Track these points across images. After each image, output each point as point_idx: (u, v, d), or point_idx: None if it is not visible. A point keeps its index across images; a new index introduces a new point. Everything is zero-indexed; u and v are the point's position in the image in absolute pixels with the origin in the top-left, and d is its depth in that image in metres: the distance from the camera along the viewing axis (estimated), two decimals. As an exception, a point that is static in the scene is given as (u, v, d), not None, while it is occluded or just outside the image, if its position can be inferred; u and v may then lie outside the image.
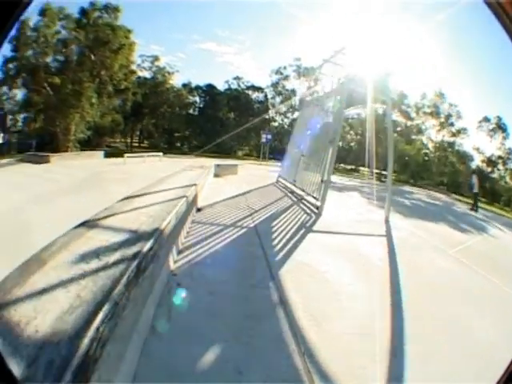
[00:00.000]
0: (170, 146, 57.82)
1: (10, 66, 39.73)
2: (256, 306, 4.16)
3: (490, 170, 56.09)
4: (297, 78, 60.05)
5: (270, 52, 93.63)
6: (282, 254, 6.19)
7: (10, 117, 47.78)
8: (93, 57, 38.83)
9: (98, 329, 1.85)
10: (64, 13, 39.21)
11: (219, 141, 51.38)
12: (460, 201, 33.52)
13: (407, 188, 33.39)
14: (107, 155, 33.76)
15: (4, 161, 30.37)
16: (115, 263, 2.69)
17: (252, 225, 7.91)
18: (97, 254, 2.87)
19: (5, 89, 43.66)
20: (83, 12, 40.93)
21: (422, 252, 8.26)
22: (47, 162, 26.35)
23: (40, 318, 1.85)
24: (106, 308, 2.05)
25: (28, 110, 47.71)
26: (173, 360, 2.98)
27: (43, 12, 36.98)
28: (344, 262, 6.30)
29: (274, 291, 4.60)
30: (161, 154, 29.25)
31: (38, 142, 45.01)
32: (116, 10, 42.00)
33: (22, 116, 52.13)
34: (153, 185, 7.18)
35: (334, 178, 22.80)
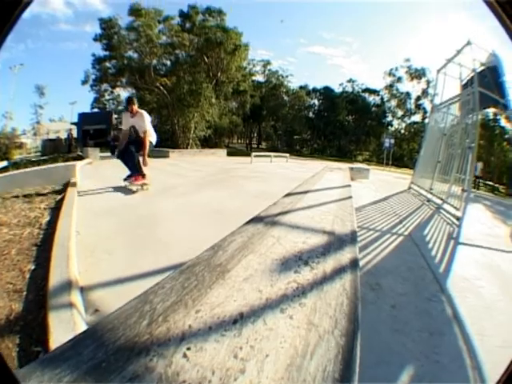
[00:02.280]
0: (290, 148, 58.49)
1: (108, 64, 42.68)
2: (435, 322, 4.01)
3: None
4: (409, 79, 59.03)
5: (378, 53, 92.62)
6: (442, 267, 6.03)
7: (115, 116, 50.17)
8: (206, 59, 39.65)
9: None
10: (161, 15, 41.29)
11: (339, 144, 51.37)
12: None
13: None
14: (229, 154, 34.56)
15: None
16: (336, 273, 2.26)
17: (406, 233, 7.84)
18: (302, 259, 2.45)
19: (106, 86, 47.19)
20: (184, 15, 41.98)
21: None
22: (166, 156, 27.43)
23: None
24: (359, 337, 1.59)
25: (140, 108, 49.52)
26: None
27: (135, 12, 38.73)
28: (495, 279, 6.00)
29: (447, 306, 4.42)
30: (287, 155, 29.42)
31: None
32: (220, 12, 43.09)
33: None
34: (305, 183, 7.03)
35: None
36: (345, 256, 2.61)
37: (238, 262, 2.30)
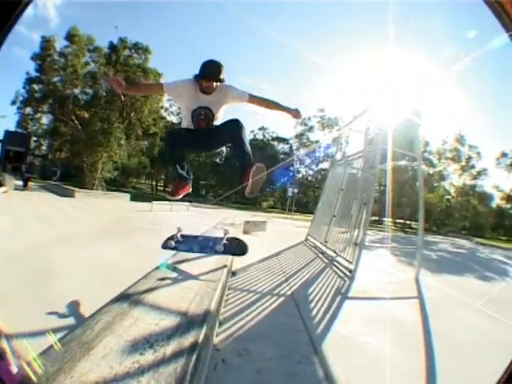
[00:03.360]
0: (195, 193, 58.22)
1: (35, 87, 41.36)
2: (302, 382, 4.10)
3: (509, 206, 56.04)
4: (321, 129, 60.74)
5: (293, 102, 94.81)
6: (321, 327, 6.05)
7: (34, 138, 48.68)
8: (123, 97, 39.45)
9: None
10: (93, 44, 40.70)
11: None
12: (483, 244, 34.78)
13: (430, 237, 33.17)
14: (132, 198, 34.00)
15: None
16: (174, 356, 2.55)
17: (289, 292, 7.78)
18: (149, 342, 2.75)
19: (29, 110, 44.88)
20: (113, 47, 41.74)
21: (449, 312, 8.23)
22: (72, 196, 26.87)
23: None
24: None
25: (54, 139, 48.91)
26: None
27: (70, 37, 38.22)
28: (381, 332, 6.20)
29: (319, 367, 4.48)
30: (188, 203, 29.27)
31: (62, 172, 45.91)
32: (146, 51, 43.17)
33: (46, 142, 53.68)
34: None
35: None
36: (187, 340, 2.85)
37: (100, 340, 2.68)
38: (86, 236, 12.02)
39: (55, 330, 4.20)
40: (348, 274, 9.99)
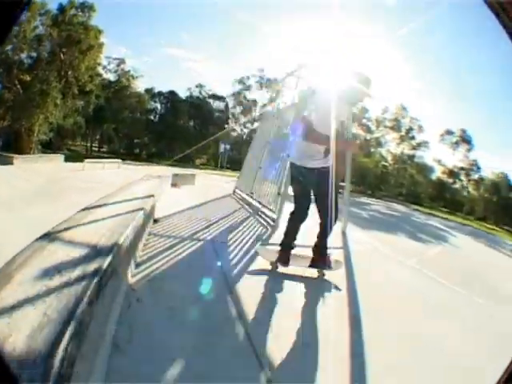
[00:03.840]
0: (129, 152, 57.39)
1: None
2: (215, 320, 4.26)
3: (451, 181, 57.82)
4: (259, 88, 60.51)
5: (235, 61, 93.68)
6: (237, 269, 6.29)
7: None
8: (62, 56, 38.52)
9: (66, 348, 1.90)
10: (44, 8, 39.95)
11: (178, 149, 51.18)
12: (419, 211, 34.85)
13: (364, 199, 33.55)
14: (67, 159, 33.27)
15: None
16: (77, 280, 2.75)
17: (209, 237, 7.99)
18: (59, 269, 2.91)
19: None
20: (61, 9, 40.70)
21: (377, 265, 8.66)
22: (11, 163, 26.00)
23: (14, 336, 1.88)
24: (71, 327, 2.10)
25: None
26: (138, 374, 3.08)
27: (28, 3, 36.03)
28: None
29: (232, 306, 4.71)
30: (120, 160, 28.88)
31: (3, 141, 44.48)
32: (91, 9, 42.21)
33: None
34: (111, 195, 7.16)
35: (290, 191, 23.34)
36: (91, 266, 3.07)
37: (19, 271, 2.82)
38: (16, 200, 11.99)
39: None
40: (271, 223, 10.29)
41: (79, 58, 40.03)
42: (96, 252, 3.46)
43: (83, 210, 5.24)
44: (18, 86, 39.33)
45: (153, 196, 7.84)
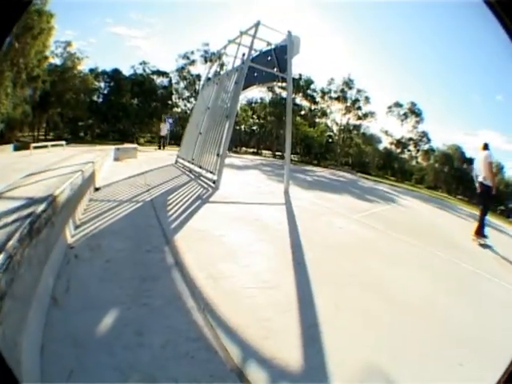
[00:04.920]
0: (74, 135, 56.23)
1: None
2: (152, 269, 4.32)
3: (399, 151, 59.09)
4: (204, 63, 59.77)
5: (180, 37, 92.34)
6: (176, 223, 6.39)
7: None
8: (17, 45, 37.20)
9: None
10: None
11: (121, 128, 50.44)
12: (366, 178, 34.69)
13: (309, 167, 33.87)
14: (16, 149, 32.65)
15: None
16: (11, 222, 2.85)
17: (148, 199, 8.02)
18: None
19: None
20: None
21: (321, 217, 8.78)
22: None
23: None
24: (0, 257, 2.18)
25: None
26: (76, 327, 3.07)
27: None
28: (241, 226, 6.59)
29: (169, 255, 4.78)
30: (64, 142, 28.31)
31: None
32: None
33: None
34: (54, 163, 7.19)
35: (235, 160, 23.21)
36: (26, 211, 3.23)
37: None
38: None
39: None
40: (212, 185, 10.35)
41: (30, 43, 38.68)
42: (32, 202, 3.58)
43: (28, 175, 5.44)
44: None
45: (92, 162, 7.92)
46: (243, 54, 13.40)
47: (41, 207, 3.34)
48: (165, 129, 31.93)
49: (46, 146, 25.94)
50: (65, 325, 3.04)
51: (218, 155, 10.94)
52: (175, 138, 45.85)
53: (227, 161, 13.09)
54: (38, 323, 2.85)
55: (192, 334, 3.15)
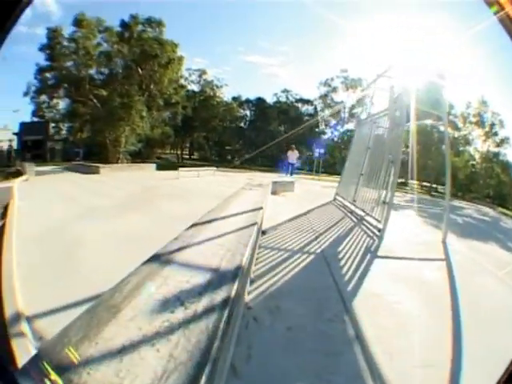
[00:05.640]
0: (221, 158, 58.62)
1: (48, 75, 41.66)
2: (334, 342, 4.01)
3: None
4: (344, 89, 59.75)
5: (314, 63, 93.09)
6: (352, 285, 5.92)
7: (52, 125, 49.94)
8: (140, 71, 39.66)
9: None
10: (103, 25, 40.56)
11: (269, 154, 51.47)
12: (506, 215, 33.66)
13: (457, 203, 32.69)
14: (159, 167, 34.33)
15: (47, 168, 32.15)
16: (205, 312, 2.46)
17: (319, 250, 7.69)
18: (180, 299, 2.63)
19: (44, 97, 45.69)
20: (124, 25, 41.80)
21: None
22: (96, 172, 26.92)
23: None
24: (207, 370, 1.87)
25: (73, 120, 50.17)
26: None
27: (78, 22, 38.32)
28: (409, 290, 6.13)
29: (350, 326, 4.41)
30: (214, 168, 29.18)
31: (85, 152, 46.76)
32: (160, 24, 42.87)
33: (66, 125, 55.09)
34: (217, 208, 7.04)
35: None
36: (219, 295, 2.77)
37: (128, 302, 2.56)
38: (109, 209, 12.21)
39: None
40: (377, 233, 9.84)
41: (160, 71, 40.77)
42: (220, 277, 3.17)
43: (192, 226, 5.03)
44: (95, 101, 40.43)
45: (261, 208, 7.59)
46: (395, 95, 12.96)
47: (234, 288, 2.92)
48: (294, 156, 31.98)
49: (195, 171, 26.89)
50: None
51: (384, 202, 10.49)
52: (325, 166, 46.08)
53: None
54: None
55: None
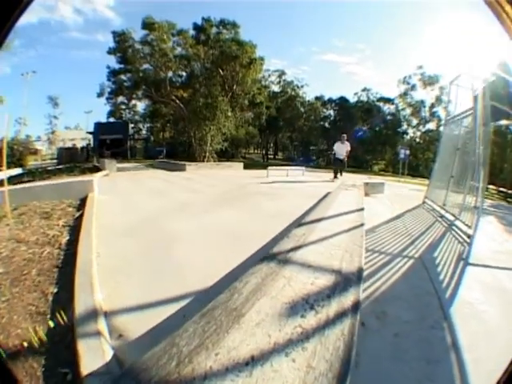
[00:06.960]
0: (306, 158, 58.80)
1: (123, 77, 44.28)
2: (435, 350, 4.01)
3: None
4: (422, 86, 58.32)
5: (390, 59, 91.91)
6: (449, 293, 5.80)
7: (131, 125, 51.80)
8: (221, 72, 40.12)
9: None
10: (175, 28, 42.18)
11: (356, 154, 50.89)
12: None
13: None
14: (245, 167, 34.57)
15: (128, 165, 34.28)
16: (338, 317, 2.40)
17: (416, 255, 7.68)
18: (309, 302, 2.58)
19: (122, 99, 50.12)
20: (199, 28, 43.35)
21: None
22: (183, 170, 27.60)
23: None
24: (349, 379, 1.81)
25: (155, 121, 51.94)
26: None
27: (148, 26, 39.59)
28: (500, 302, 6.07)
29: (447, 333, 4.44)
30: (303, 168, 29.01)
31: (167, 150, 47.92)
32: (235, 25, 44.21)
33: (146, 125, 57.50)
34: (319, 207, 7.18)
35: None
36: (348, 299, 2.78)
37: (251, 305, 2.49)
38: (203, 204, 12.37)
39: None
40: (466, 239, 9.61)
41: (242, 72, 41.41)
42: (345, 280, 3.20)
43: (299, 225, 5.23)
44: (178, 101, 42.03)
45: (363, 209, 7.84)
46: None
47: (361, 291, 3.04)
48: (344, 149, 23.11)
49: (284, 169, 26.79)
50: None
51: (475, 207, 10.09)
52: (408, 168, 45.09)
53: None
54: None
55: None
